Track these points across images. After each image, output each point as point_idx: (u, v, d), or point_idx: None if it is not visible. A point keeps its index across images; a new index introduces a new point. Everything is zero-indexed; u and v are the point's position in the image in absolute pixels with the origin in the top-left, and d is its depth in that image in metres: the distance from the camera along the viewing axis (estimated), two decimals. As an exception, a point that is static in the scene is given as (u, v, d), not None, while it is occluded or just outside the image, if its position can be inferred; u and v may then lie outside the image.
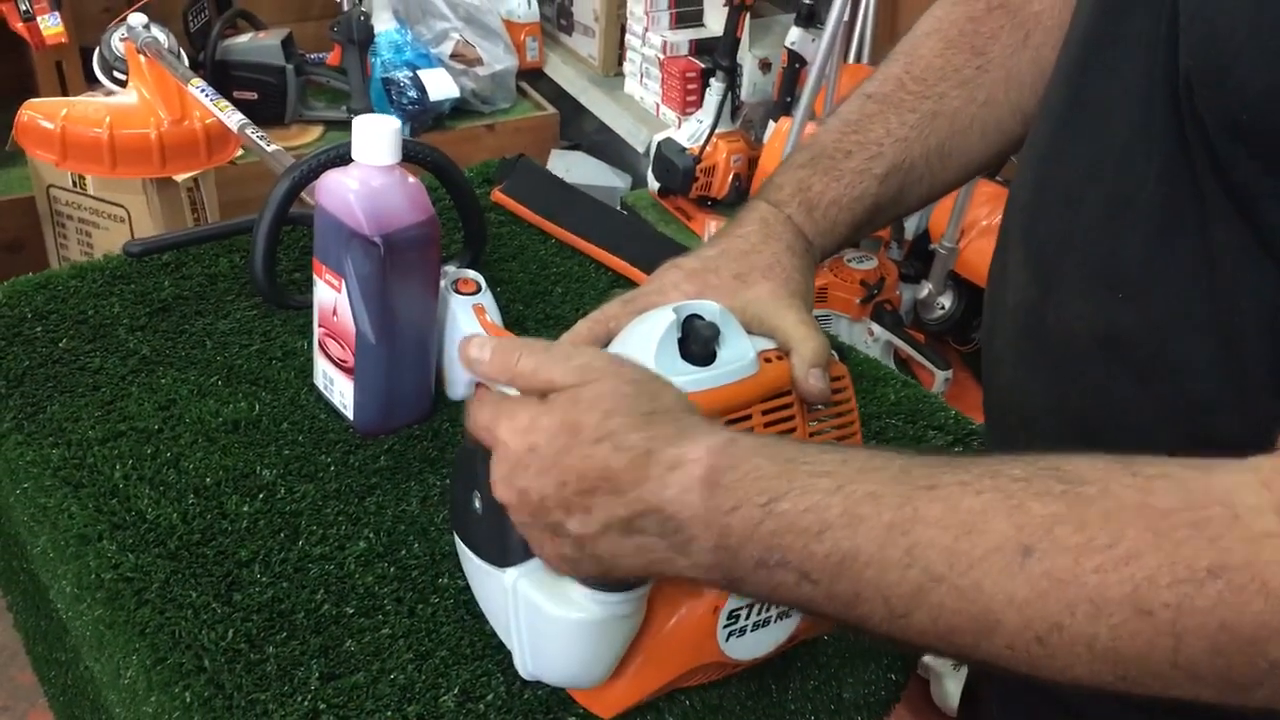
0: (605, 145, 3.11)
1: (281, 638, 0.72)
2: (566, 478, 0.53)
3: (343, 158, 0.99)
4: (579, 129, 3.21)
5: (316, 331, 0.90)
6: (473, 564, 0.66)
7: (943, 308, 2.12)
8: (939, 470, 0.50)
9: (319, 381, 0.92)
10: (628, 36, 2.98)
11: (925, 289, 2.10)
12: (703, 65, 2.79)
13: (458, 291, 0.90)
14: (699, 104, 2.79)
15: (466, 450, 0.63)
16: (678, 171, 2.64)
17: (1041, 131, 0.66)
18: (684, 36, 2.85)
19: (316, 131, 2.77)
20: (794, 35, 2.45)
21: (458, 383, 0.92)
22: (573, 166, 2.98)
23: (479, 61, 2.96)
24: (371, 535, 0.80)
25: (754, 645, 0.63)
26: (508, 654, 0.69)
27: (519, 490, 0.55)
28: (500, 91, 2.99)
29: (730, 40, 2.57)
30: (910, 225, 2.13)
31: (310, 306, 1.01)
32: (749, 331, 0.64)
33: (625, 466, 0.52)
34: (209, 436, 0.88)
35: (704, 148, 2.62)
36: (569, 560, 0.56)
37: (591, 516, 0.53)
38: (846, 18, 2.13)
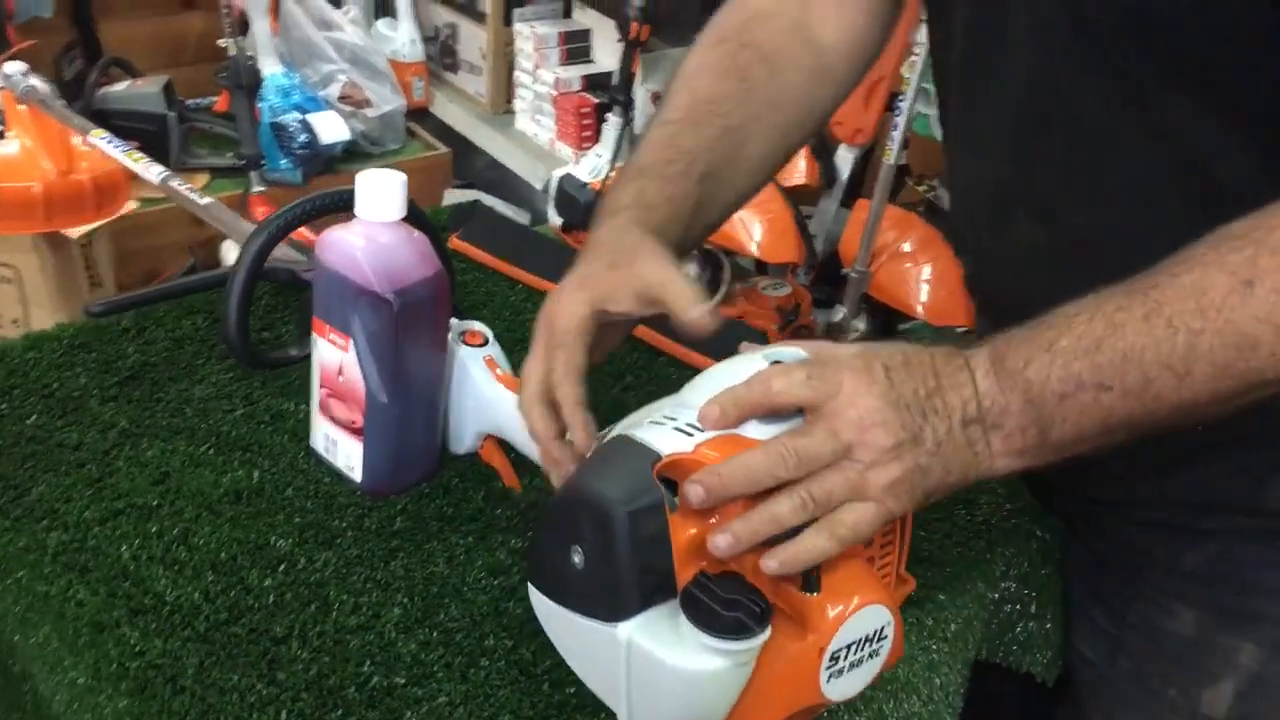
0: (499, 182, 3.10)
1: (337, 715, 0.69)
2: (892, 425, 0.62)
3: (313, 212, 0.98)
4: (470, 167, 3.19)
5: (317, 393, 0.88)
6: (568, 623, 0.65)
7: (858, 330, 2.17)
8: (1147, 276, 0.64)
9: (318, 445, 0.90)
10: (517, 74, 2.99)
11: (840, 313, 2.15)
12: (596, 100, 2.81)
13: (466, 343, 0.88)
14: (594, 139, 2.81)
15: (562, 505, 0.62)
16: (580, 206, 2.64)
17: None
18: (575, 73, 2.87)
19: (203, 179, 2.69)
20: (690, 69, 2.48)
21: (465, 436, 0.90)
22: (468, 205, 2.96)
23: (367, 103, 2.93)
24: (405, 600, 0.78)
25: (848, 686, 0.63)
26: (570, 714, 0.68)
27: (888, 477, 0.62)
28: (390, 132, 2.96)
29: (626, 75, 2.59)
30: (817, 249, 2.18)
31: (285, 365, 0.99)
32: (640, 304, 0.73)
33: (929, 390, 0.64)
34: (213, 509, 0.84)
35: (605, 182, 2.63)
36: (927, 476, 0.63)
37: (928, 436, 0.63)
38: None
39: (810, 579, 0.61)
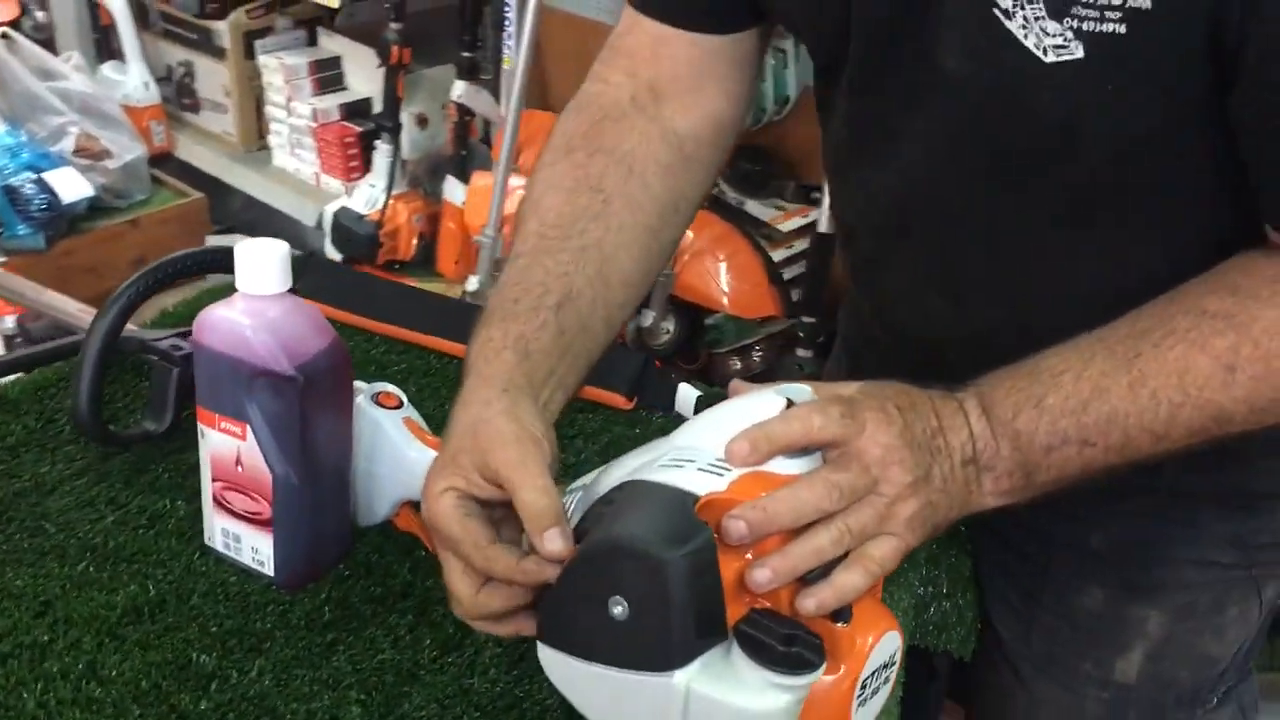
0: (260, 223, 2.95)
1: (329, 838, 0.63)
2: (909, 464, 0.65)
3: (167, 280, 0.90)
4: (226, 210, 3.02)
5: (209, 487, 0.80)
6: (603, 681, 0.62)
7: (668, 332, 2.19)
8: (1127, 343, 0.69)
9: (215, 542, 0.82)
10: (268, 108, 2.85)
11: (649, 316, 2.16)
12: (360, 129, 2.71)
13: (381, 405, 0.83)
14: (362, 169, 2.72)
15: (596, 558, 0.60)
16: (360, 239, 2.56)
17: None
18: (332, 102, 2.77)
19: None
20: (459, 89, 2.44)
21: (378, 506, 0.85)
22: (234, 251, 2.80)
23: (106, 154, 2.72)
24: (363, 697, 0.72)
25: (869, 713, 0.63)
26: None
27: (908, 512, 0.64)
28: (135, 183, 2.76)
29: (392, 100, 2.52)
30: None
31: (143, 442, 0.91)
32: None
33: (933, 430, 0.67)
34: (114, 633, 0.76)
35: (384, 212, 2.55)
36: (936, 511, 0.66)
37: (936, 474, 0.66)
38: (518, 65, 2.16)
39: (842, 610, 0.61)
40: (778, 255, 2.25)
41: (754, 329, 2.23)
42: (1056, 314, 0.74)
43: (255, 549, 0.80)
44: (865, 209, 0.87)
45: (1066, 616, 0.93)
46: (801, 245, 2.33)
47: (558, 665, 0.65)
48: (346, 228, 2.56)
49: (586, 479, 0.73)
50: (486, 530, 0.67)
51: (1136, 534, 0.89)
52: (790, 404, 0.65)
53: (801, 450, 0.64)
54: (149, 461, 0.92)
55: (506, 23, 2.30)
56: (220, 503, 0.80)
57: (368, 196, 2.58)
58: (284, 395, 0.76)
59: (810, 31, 0.83)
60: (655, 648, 0.60)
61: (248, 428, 0.77)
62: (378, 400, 0.84)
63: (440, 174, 2.67)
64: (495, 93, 2.52)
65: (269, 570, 0.80)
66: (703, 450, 0.65)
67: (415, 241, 2.58)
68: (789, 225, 2.28)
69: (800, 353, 2.05)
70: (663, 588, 0.59)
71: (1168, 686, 0.93)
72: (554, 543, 0.63)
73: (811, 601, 0.60)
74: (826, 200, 1.98)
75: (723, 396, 0.98)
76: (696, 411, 0.99)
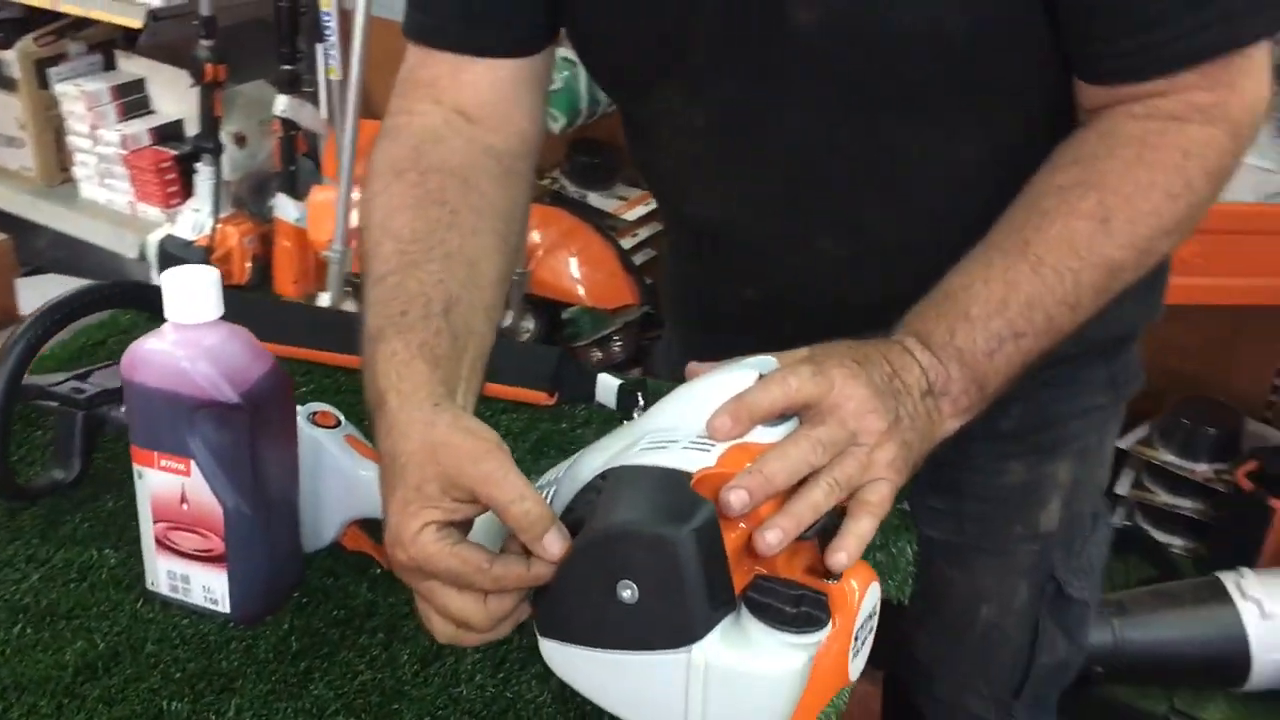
0: (72, 260, 2.80)
1: None
2: (881, 411, 0.67)
3: (68, 319, 0.86)
4: (31, 249, 2.85)
5: (151, 529, 0.77)
6: (613, 666, 0.62)
7: (528, 330, 2.19)
8: (1014, 238, 0.75)
9: (160, 586, 0.79)
10: (70, 139, 2.70)
11: (508, 316, 2.15)
12: (175, 152, 2.60)
13: (319, 425, 0.81)
14: (182, 195, 2.61)
15: (599, 545, 0.60)
16: (191, 267, 2.45)
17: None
18: (140, 127, 2.64)
19: None
20: (282, 103, 2.37)
21: (325, 529, 0.83)
22: (50, 291, 2.64)
23: (-106, 201, 2.53)
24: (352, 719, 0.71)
25: (859, 664, 0.66)
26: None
27: (889, 456, 0.67)
28: (-71, 229, 2.58)
29: (210, 120, 2.43)
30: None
31: (52, 493, 0.86)
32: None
33: (889, 375, 0.70)
34: (72, 692, 0.72)
35: (213, 236, 2.46)
36: (911, 450, 0.69)
37: (904, 415, 0.69)
38: (352, 76, 2.11)
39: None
40: (626, 244, 2.27)
41: (609, 319, 2.25)
42: (943, 225, 0.82)
43: (207, 588, 0.77)
44: (748, 195, 0.89)
45: (993, 497, 1.02)
46: (647, 232, 2.37)
47: (563, 657, 0.65)
48: (175, 256, 2.45)
49: (552, 474, 0.73)
50: (481, 552, 0.66)
51: (1037, 405, 0.98)
52: (760, 376, 0.67)
53: (778, 417, 0.66)
54: (61, 513, 0.87)
55: (327, 32, 2.25)
56: (164, 544, 0.77)
57: (193, 222, 2.48)
58: (230, 425, 0.73)
59: (629, 46, 0.85)
60: (671, 625, 0.61)
61: (192, 463, 0.74)
62: (315, 420, 0.82)
63: (265, 192, 2.59)
64: (318, 105, 2.46)
65: (224, 608, 0.78)
66: (681, 430, 0.66)
67: (249, 264, 2.49)
68: (633, 214, 2.31)
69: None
70: (675, 565, 0.60)
71: (1076, 521, 1.05)
72: (555, 545, 0.63)
73: (842, 555, 0.62)
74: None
75: (642, 385, 1.01)
76: (619, 400, 1.01)
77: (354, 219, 2.12)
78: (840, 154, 0.83)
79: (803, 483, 0.64)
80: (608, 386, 1.01)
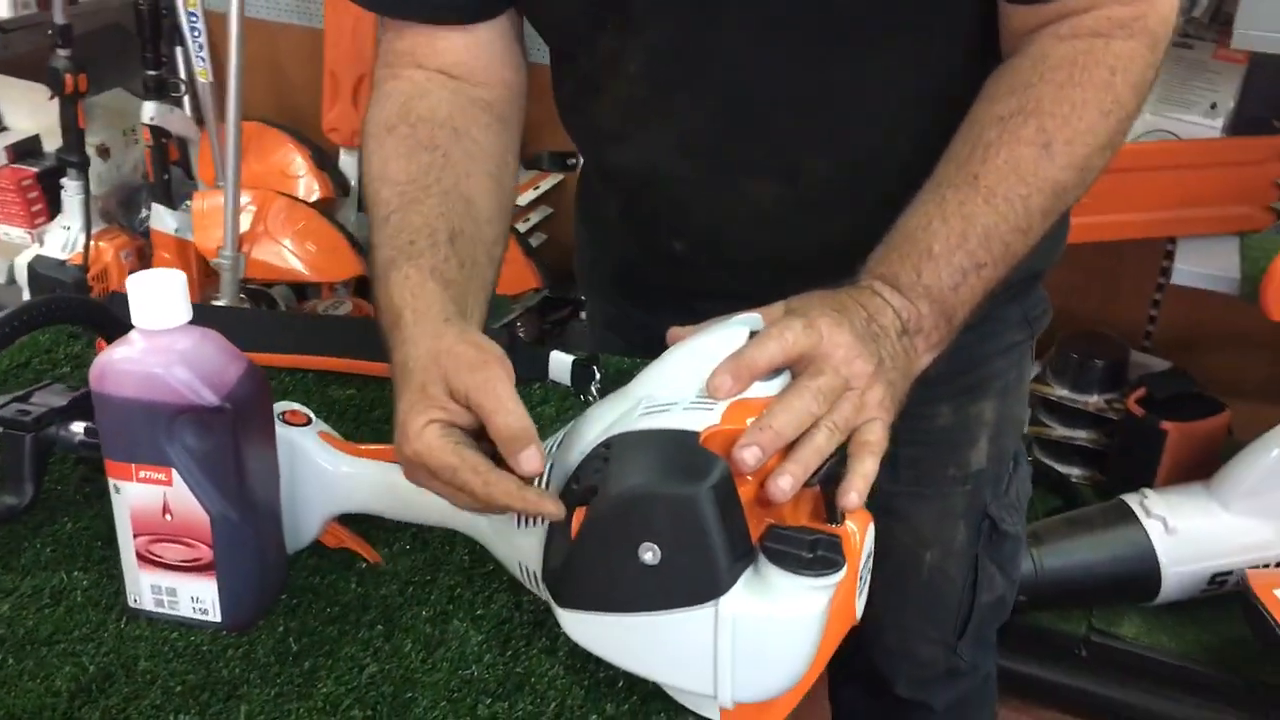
0: (-70, 290, 2.66)
1: None
2: (867, 355, 0.69)
3: (17, 334, 0.83)
4: (-120, 283, 2.70)
5: (132, 544, 0.75)
6: (638, 629, 0.64)
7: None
8: (960, 169, 0.78)
9: (144, 602, 0.77)
10: (-83, 162, 2.56)
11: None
12: (36, 169, 2.49)
13: (291, 424, 0.80)
14: (48, 213, 2.50)
15: (617, 510, 0.62)
16: (67, 286, 2.36)
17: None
18: (-4, 145, 2.52)
19: None
20: (150, 110, 2.29)
21: (306, 528, 0.82)
22: (-89, 325, 2.51)
23: None
24: (369, 713, 0.70)
25: (862, 603, 0.69)
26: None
27: (878, 396, 0.69)
28: None
29: (74, 133, 2.33)
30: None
31: (8, 521, 0.83)
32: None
33: (866, 319, 0.72)
34: (70, 716, 0.70)
35: (86, 253, 2.37)
36: (895, 388, 0.71)
37: (885, 356, 0.71)
38: (230, 76, 2.05)
39: (834, 510, 0.66)
40: (520, 227, 2.27)
41: (509, 305, 2.24)
42: (879, 167, 0.86)
43: (196, 598, 0.76)
44: (683, 138, 0.91)
45: (924, 440, 1.05)
46: (538, 216, 2.37)
47: (586, 627, 0.66)
48: (47, 277, 2.36)
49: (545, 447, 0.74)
50: (480, 457, 0.67)
51: (961, 348, 1.02)
52: (751, 333, 0.69)
53: (773, 371, 0.68)
54: (19, 540, 0.84)
55: (195, 34, 2.18)
56: (147, 558, 0.75)
57: (63, 240, 2.39)
58: (212, 429, 0.72)
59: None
60: (697, 581, 0.62)
61: (173, 471, 0.72)
62: (286, 419, 0.81)
63: (135, 204, 2.51)
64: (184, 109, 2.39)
65: (215, 617, 0.76)
66: (679, 393, 0.68)
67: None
68: (524, 198, 2.31)
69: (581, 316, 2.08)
70: (697, 522, 0.61)
71: (1003, 458, 1.10)
72: (530, 462, 0.66)
73: (853, 495, 0.65)
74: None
75: (595, 359, 1.02)
76: (574, 377, 1.01)
77: (244, 222, 2.07)
78: (775, 89, 0.85)
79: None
80: (561, 364, 1.02)
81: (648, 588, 0.63)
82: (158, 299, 0.71)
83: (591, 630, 0.66)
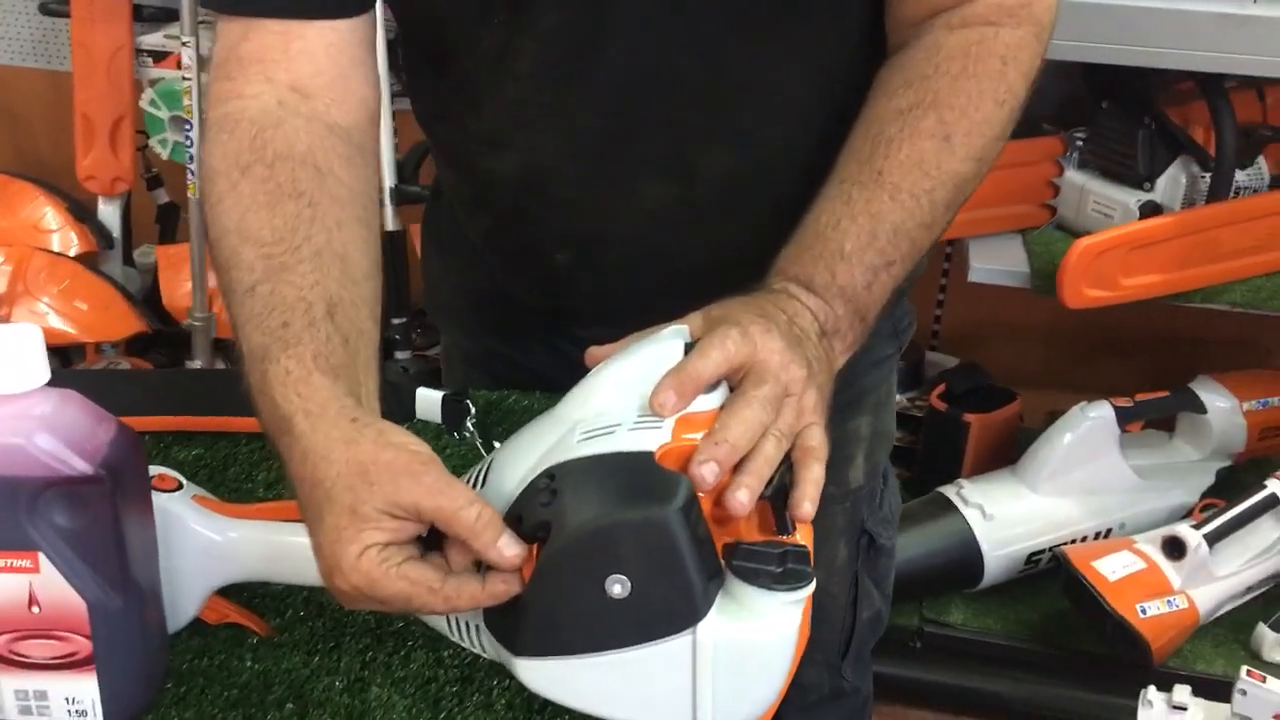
0: None
1: None
2: (798, 360, 0.68)
3: None
4: None
5: (-13, 647, 0.65)
6: (609, 669, 0.59)
7: (219, 378, 2.03)
8: (866, 169, 0.78)
9: (6, 711, 0.66)
10: None
11: (197, 365, 1.99)
12: None
13: (161, 490, 0.71)
14: None
15: (579, 546, 0.58)
16: None
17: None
18: None
19: None
20: None
21: (186, 604, 0.73)
22: None
23: None
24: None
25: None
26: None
27: (812, 401, 0.68)
28: None
29: None
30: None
31: None
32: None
33: (786, 323, 0.71)
34: None
35: None
36: (824, 391, 0.70)
37: (812, 359, 0.70)
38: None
39: (784, 520, 0.63)
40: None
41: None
42: (773, 165, 0.84)
43: (72, 699, 0.66)
44: (572, 138, 0.87)
45: None
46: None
47: (547, 673, 0.61)
48: None
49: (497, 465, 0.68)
50: (428, 569, 0.61)
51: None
52: (686, 346, 0.66)
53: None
54: None
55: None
56: (10, 660, 0.65)
57: None
58: (87, 502, 0.63)
59: None
60: (672, 609, 0.59)
61: (40, 555, 0.63)
62: (154, 486, 0.72)
63: None
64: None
65: (95, 718, 0.67)
66: (619, 412, 0.64)
67: None
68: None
69: (399, 355, 1.98)
70: (670, 546, 0.58)
71: (875, 473, 1.10)
72: (511, 548, 0.60)
73: (807, 504, 0.63)
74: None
75: (464, 394, 0.96)
76: (445, 414, 0.96)
77: (1, 284, 1.88)
78: (668, 83, 0.83)
79: None
80: (429, 401, 0.96)
81: (617, 623, 0.59)
82: (9, 359, 0.62)
83: (554, 676, 0.61)
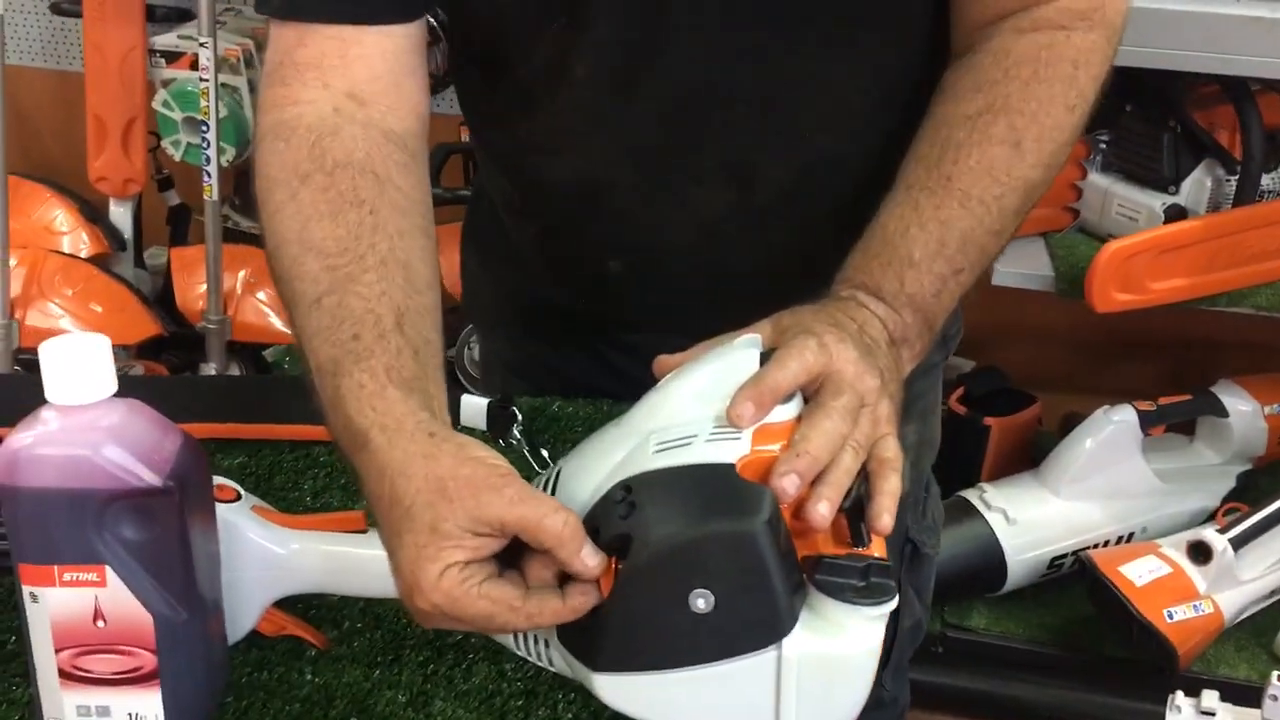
0: None
1: None
2: (872, 370, 0.67)
3: None
4: None
5: (52, 660, 0.63)
6: (692, 685, 0.59)
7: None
8: (935, 174, 0.77)
9: (65, 729, 0.65)
10: None
11: (212, 370, 1.97)
12: None
13: (220, 500, 0.70)
14: None
15: (661, 561, 0.57)
16: None
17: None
18: None
19: None
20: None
21: (246, 615, 0.72)
22: None
23: None
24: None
25: None
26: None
27: (886, 411, 0.67)
28: None
29: None
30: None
31: None
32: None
33: (857, 332, 0.70)
34: None
35: None
36: (895, 401, 0.69)
37: (884, 369, 0.69)
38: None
39: (860, 532, 0.62)
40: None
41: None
42: (832, 174, 0.84)
43: (135, 714, 0.65)
44: (630, 146, 0.86)
45: None
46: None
47: (627, 689, 0.60)
48: None
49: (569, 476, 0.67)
50: (509, 587, 0.60)
51: None
52: (763, 354, 0.65)
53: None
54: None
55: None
56: (73, 675, 0.64)
57: None
58: (155, 515, 0.62)
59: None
60: (758, 624, 0.58)
61: (107, 569, 0.62)
62: (215, 496, 0.71)
63: None
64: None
65: (160, 732, 0.65)
66: (694, 423, 0.63)
67: None
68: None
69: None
70: (758, 560, 0.57)
71: (920, 481, 1.08)
72: (593, 558, 0.60)
73: (886, 517, 0.62)
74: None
75: (509, 400, 0.95)
76: (490, 421, 0.95)
77: (15, 285, 1.87)
78: (725, 91, 0.82)
79: None
80: (475, 408, 0.95)
81: (701, 638, 0.58)
82: (79, 369, 0.61)
83: (634, 692, 0.60)
